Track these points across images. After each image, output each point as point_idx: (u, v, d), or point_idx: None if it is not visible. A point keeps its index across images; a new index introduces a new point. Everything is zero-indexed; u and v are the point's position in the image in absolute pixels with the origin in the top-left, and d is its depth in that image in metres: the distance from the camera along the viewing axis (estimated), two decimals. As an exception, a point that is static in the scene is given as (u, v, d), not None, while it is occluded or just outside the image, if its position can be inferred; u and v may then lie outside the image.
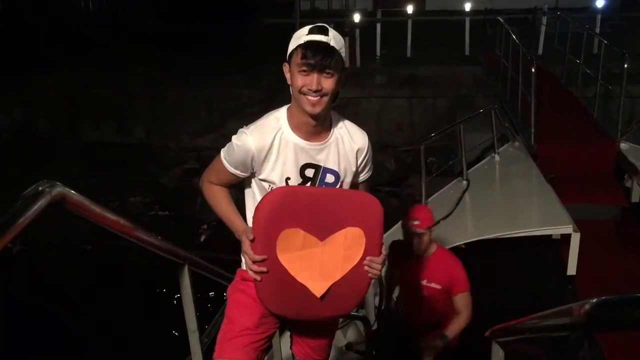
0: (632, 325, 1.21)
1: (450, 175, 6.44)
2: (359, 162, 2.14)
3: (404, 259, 3.63)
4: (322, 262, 1.89)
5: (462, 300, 3.57)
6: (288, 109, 2.06)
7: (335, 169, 2.08)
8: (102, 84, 11.20)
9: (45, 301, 6.80)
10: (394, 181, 9.91)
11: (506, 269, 5.32)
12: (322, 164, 2.06)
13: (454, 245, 4.83)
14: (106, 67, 11.45)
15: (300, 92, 1.92)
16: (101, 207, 1.57)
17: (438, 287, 3.53)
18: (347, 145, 2.10)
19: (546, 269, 5.22)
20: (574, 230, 4.84)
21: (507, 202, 5.58)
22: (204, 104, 10.90)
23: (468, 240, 4.90)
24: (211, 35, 13.53)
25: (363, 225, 1.91)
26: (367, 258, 1.95)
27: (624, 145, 6.65)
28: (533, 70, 6.38)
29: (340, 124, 2.12)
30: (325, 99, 1.92)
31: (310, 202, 1.91)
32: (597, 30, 10.79)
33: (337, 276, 1.91)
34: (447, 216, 5.18)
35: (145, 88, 11.16)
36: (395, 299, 4.21)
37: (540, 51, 11.22)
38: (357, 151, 2.12)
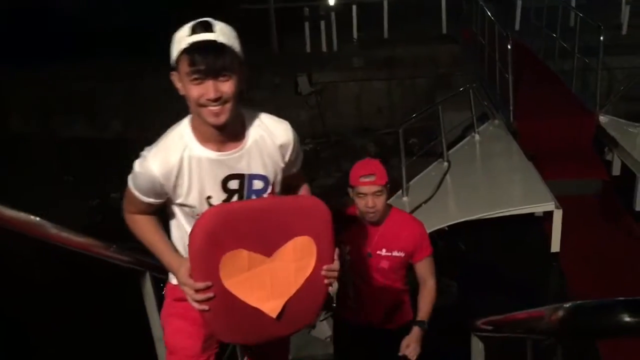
0: (606, 334, 1.13)
1: (433, 156, 6.38)
2: (286, 158, 1.91)
3: (356, 230, 2.77)
4: (272, 280, 1.72)
5: (428, 267, 2.86)
6: (190, 121, 1.81)
7: (262, 173, 1.86)
8: (74, 77, 10.96)
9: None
10: (376, 164, 9.85)
11: (490, 249, 5.30)
12: (245, 172, 1.83)
13: (437, 228, 4.80)
14: (77, 59, 11.18)
15: (199, 104, 1.69)
16: (34, 217, 1.46)
17: (401, 254, 2.77)
18: (269, 144, 1.86)
19: (530, 247, 5.22)
20: (556, 207, 4.83)
21: (489, 181, 5.54)
22: (180, 97, 10.71)
23: (451, 223, 4.86)
24: (184, 22, 13.23)
25: (311, 231, 1.74)
26: (324, 268, 1.79)
27: (603, 119, 6.64)
28: (509, 46, 6.33)
29: (257, 122, 1.86)
30: (229, 105, 1.69)
31: (248, 218, 1.70)
32: (573, 3, 10.74)
33: (292, 291, 1.75)
34: (428, 199, 5.13)
35: (120, 81, 10.93)
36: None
37: (517, 26, 11.17)
38: (281, 147, 1.88)
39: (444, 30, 11.83)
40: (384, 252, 2.74)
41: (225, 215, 1.67)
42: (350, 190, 2.71)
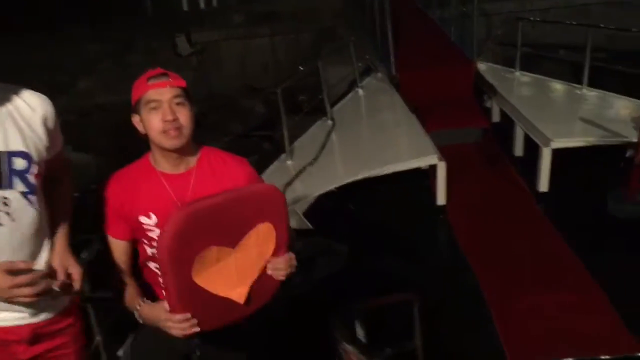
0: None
1: (322, 113, 6.16)
2: (50, 132, 1.73)
3: (156, 186, 1.97)
4: (238, 268, 1.80)
5: None
6: None
7: (23, 149, 1.65)
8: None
9: None
10: (265, 125, 9.54)
11: (380, 207, 5.23)
12: (2, 149, 1.62)
13: (325, 190, 4.63)
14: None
15: None
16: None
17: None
18: (27, 115, 1.67)
19: (418, 201, 5.20)
20: (440, 160, 4.80)
21: (374, 138, 5.43)
22: (46, 63, 9.75)
23: (338, 184, 4.70)
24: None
25: (270, 217, 1.83)
26: (268, 266, 1.85)
27: (481, 66, 6.71)
28: (388, -4, 6.18)
29: (10, 94, 1.69)
30: None
31: (213, 215, 1.74)
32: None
33: (255, 275, 1.84)
34: (314, 160, 4.93)
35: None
36: None
37: (397, -25, 11.09)
38: (45, 120, 1.70)
39: (325, -19, 11.55)
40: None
41: (192, 216, 1.70)
42: (135, 116, 1.90)
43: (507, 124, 5.91)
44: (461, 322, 3.88)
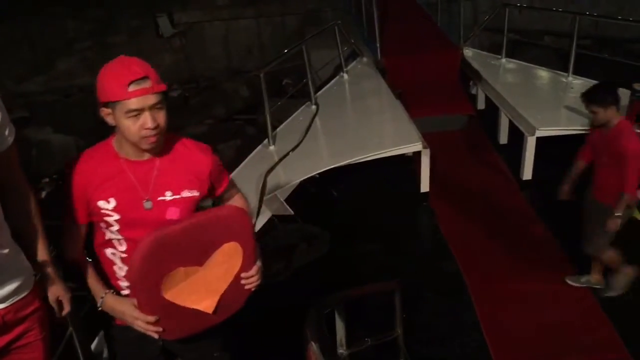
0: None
1: (307, 97, 6.07)
2: None
3: (117, 175, 1.90)
4: (205, 283, 1.88)
5: (235, 189, 2.21)
6: None
7: None
8: None
9: None
10: (249, 108, 9.43)
11: (363, 194, 5.19)
12: None
13: (308, 175, 4.57)
14: None
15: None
16: None
17: (194, 193, 2.00)
18: None
19: (402, 188, 5.16)
20: (424, 147, 4.76)
21: (358, 124, 5.36)
22: (23, 43, 9.51)
23: (321, 170, 4.64)
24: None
25: (235, 237, 1.89)
26: (241, 276, 1.93)
27: (467, 52, 6.66)
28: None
29: None
30: None
31: (181, 238, 1.80)
32: None
33: (223, 288, 1.92)
34: (297, 146, 4.86)
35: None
36: None
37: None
38: None
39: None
40: (169, 195, 1.96)
41: (160, 240, 1.76)
42: (107, 110, 1.79)
43: (492, 111, 5.88)
44: (442, 309, 3.87)
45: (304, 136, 4.99)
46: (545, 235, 4.43)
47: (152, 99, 1.73)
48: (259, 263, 1.98)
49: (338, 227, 4.66)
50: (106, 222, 1.87)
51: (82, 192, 1.84)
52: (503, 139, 5.78)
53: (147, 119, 1.74)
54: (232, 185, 2.15)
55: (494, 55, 6.60)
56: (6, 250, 1.60)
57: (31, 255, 1.71)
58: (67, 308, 1.77)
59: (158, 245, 1.76)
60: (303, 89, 5.87)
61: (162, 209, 1.92)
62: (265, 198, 4.30)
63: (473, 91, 6.61)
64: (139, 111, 1.73)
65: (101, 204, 1.84)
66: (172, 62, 9.84)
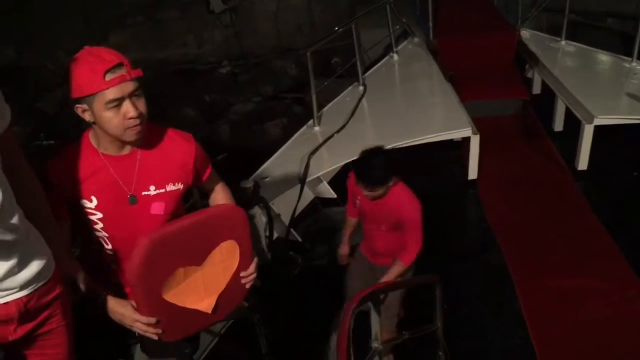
0: None
1: (355, 77, 5.95)
2: None
3: (96, 172, 1.86)
4: (204, 283, 1.88)
5: (216, 177, 2.21)
6: None
7: None
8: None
9: None
10: (297, 87, 9.37)
11: (408, 178, 5.04)
12: None
13: (351, 159, 4.48)
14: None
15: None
16: None
17: (179, 186, 1.98)
18: None
19: (449, 174, 5.02)
20: (473, 133, 4.60)
21: (406, 106, 5.22)
22: (78, 15, 9.69)
23: (366, 153, 4.54)
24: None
25: (233, 235, 1.88)
26: (241, 274, 1.93)
27: (525, 33, 6.38)
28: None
29: None
30: None
31: (179, 238, 1.77)
32: None
33: (222, 287, 1.92)
34: (342, 128, 4.77)
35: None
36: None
37: None
38: None
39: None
40: (153, 190, 1.89)
41: (158, 241, 1.74)
42: (82, 106, 1.71)
43: (548, 97, 5.62)
44: (485, 301, 3.76)
45: (350, 118, 4.90)
46: (598, 229, 4.22)
47: (130, 86, 1.67)
48: (256, 259, 1.97)
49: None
50: (91, 220, 1.82)
51: (62, 191, 1.79)
52: (558, 126, 5.52)
53: (129, 108, 1.67)
54: (214, 174, 2.11)
55: (553, 38, 6.28)
56: (23, 234, 1.52)
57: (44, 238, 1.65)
58: (83, 288, 1.74)
59: (156, 246, 1.73)
60: (352, 69, 5.76)
61: (146, 204, 1.88)
62: (308, 180, 4.25)
63: (529, 75, 6.34)
64: (119, 100, 1.66)
65: (84, 202, 1.79)
66: (222, 38, 9.86)
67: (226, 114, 8.81)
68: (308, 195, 4.48)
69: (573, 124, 4.89)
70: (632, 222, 4.22)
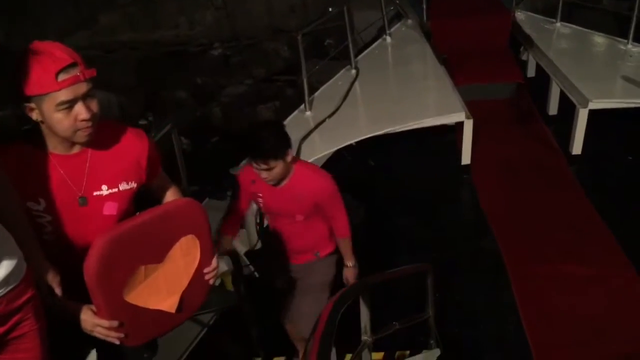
0: None
1: (349, 59, 5.87)
2: None
3: (42, 174, 1.77)
4: (166, 281, 1.82)
5: (165, 177, 2.19)
6: None
7: None
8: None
9: None
10: (289, 69, 9.27)
11: (401, 164, 5.02)
12: None
13: (345, 145, 4.43)
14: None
15: None
16: None
17: (132, 185, 1.92)
18: None
19: (441, 159, 4.97)
20: (467, 117, 4.54)
21: (399, 90, 5.15)
22: (69, -2, 9.54)
23: (358, 139, 4.49)
24: None
25: (192, 229, 1.82)
26: (204, 270, 1.87)
27: (519, 15, 6.30)
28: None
29: None
30: None
31: (136, 236, 1.70)
32: None
33: (184, 284, 1.86)
34: (334, 112, 4.71)
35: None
36: None
37: None
38: None
39: None
40: (105, 190, 1.81)
41: (115, 240, 1.67)
42: (31, 105, 1.59)
43: (542, 80, 5.56)
44: (478, 288, 3.74)
45: (342, 102, 4.83)
46: (592, 215, 4.20)
47: (83, 87, 1.56)
48: (216, 254, 1.92)
49: (373, 198, 4.53)
50: (39, 223, 1.71)
51: None
52: (553, 109, 5.47)
53: (81, 110, 1.58)
54: (164, 173, 2.04)
55: (548, 19, 6.20)
56: None
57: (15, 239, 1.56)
58: (58, 292, 1.66)
59: (113, 245, 1.65)
60: (345, 51, 5.67)
61: (98, 205, 1.79)
62: (299, 166, 4.19)
63: (523, 57, 6.27)
64: (71, 102, 1.56)
65: (30, 205, 1.68)
66: (213, 19, 9.74)
67: (218, 97, 8.72)
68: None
69: (568, 108, 4.84)
70: (626, 207, 4.20)
